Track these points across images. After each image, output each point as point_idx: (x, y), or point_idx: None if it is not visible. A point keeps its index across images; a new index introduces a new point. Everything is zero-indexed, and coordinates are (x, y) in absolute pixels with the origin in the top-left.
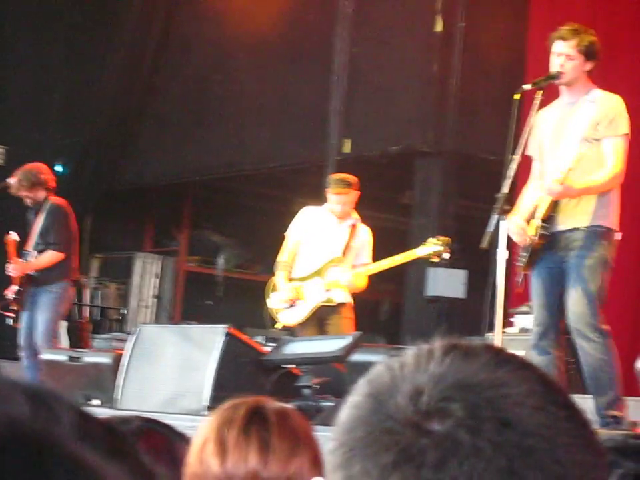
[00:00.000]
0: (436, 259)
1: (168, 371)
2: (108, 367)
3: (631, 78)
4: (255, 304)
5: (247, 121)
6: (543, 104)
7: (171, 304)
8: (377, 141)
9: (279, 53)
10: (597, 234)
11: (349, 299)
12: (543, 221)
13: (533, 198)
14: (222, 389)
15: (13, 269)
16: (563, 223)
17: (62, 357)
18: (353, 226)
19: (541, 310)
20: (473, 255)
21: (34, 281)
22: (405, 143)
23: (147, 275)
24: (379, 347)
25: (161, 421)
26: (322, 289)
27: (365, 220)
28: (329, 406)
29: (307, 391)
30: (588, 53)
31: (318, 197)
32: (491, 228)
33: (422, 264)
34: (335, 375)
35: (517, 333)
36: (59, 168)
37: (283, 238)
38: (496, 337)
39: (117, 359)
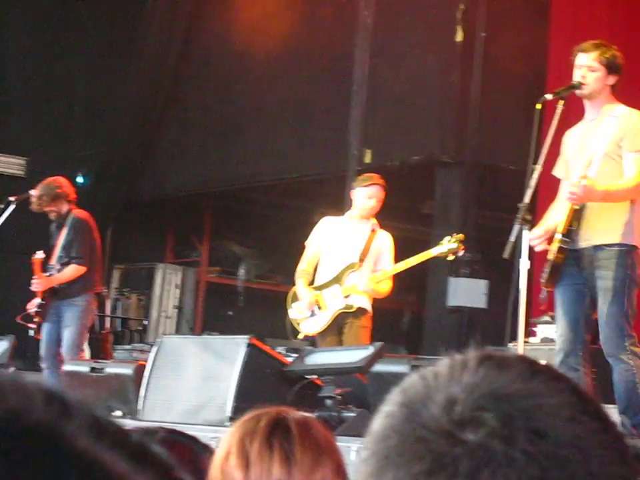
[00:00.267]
0: (451, 257)
1: (190, 382)
2: (129, 378)
3: None
4: (275, 314)
5: (267, 131)
6: (564, 115)
7: (192, 315)
8: (397, 151)
9: (300, 64)
10: (623, 253)
11: (368, 307)
12: (563, 235)
13: (558, 217)
14: (244, 400)
15: (38, 284)
16: (588, 240)
17: (84, 368)
18: (373, 230)
19: (567, 328)
20: (494, 265)
21: (57, 294)
22: (426, 153)
23: (168, 285)
24: (400, 357)
25: (185, 432)
26: (340, 296)
27: (385, 230)
28: (351, 416)
29: (329, 402)
30: (610, 66)
31: (338, 207)
32: (512, 238)
33: (443, 274)
34: (357, 386)
35: (539, 343)
36: (80, 179)
37: (303, 248)
38: (519, 347)
39: (139, 370)
